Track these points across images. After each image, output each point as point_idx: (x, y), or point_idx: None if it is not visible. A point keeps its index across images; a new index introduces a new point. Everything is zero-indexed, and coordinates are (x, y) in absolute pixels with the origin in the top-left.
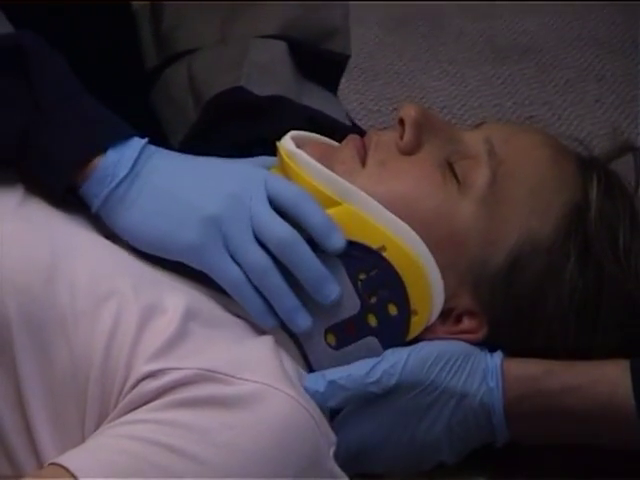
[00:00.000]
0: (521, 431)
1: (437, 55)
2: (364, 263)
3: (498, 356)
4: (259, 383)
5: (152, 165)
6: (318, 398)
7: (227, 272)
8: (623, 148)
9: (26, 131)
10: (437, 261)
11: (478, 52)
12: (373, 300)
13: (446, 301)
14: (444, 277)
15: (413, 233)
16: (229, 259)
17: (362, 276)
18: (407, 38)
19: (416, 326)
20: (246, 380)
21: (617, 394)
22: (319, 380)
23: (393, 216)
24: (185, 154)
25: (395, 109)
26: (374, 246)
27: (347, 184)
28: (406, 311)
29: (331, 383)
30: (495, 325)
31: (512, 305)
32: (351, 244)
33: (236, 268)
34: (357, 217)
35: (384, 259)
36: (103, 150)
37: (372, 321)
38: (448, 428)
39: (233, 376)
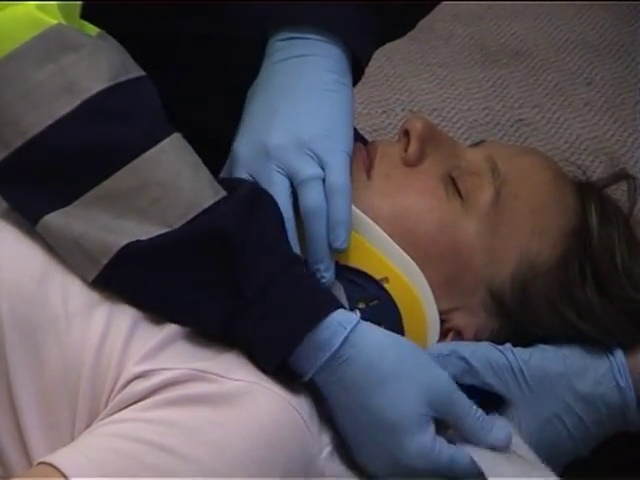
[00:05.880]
0: None
1: (427, 58)
2: (365, 292)
3: (620, 354)
4: (248, 381)
5: (361, 343)
6: (440, 360)
7: None
8: (618, 175)
9: (230, 316)
10: (439, 276)
11: (468, 55)
12: None
13: (441, 313)
14: (445, 292)
15: (417, 269)
16: None
17: (361, 305)
18: (396, 41)
19: None
20: (235, 379)
21: None
22: (442, 346)
23: (399, 249)
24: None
25: (384, 112)
26: (377, 276)
27: (356, 211)
28: None
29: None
30: (500, 341)
31: (515, 324)
32: (354, 271)
33: None
34: (362, 246)
35: (385, 291)
36: (304, 338)
37: None
38: (584, 427)
39: (222, 376)
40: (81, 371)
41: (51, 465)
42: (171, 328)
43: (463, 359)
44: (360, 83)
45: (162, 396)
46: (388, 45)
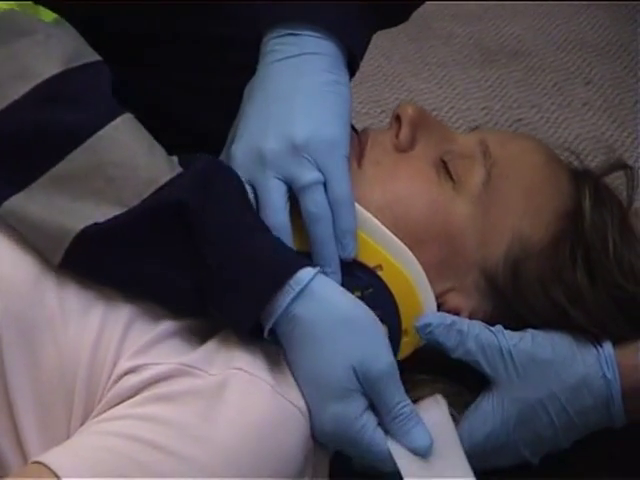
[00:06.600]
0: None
1: (425, 58)
2: (360, 281)
3: (609, 346)
4: (234, 369)
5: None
6: (440, 329)
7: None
8: (615, 165)
9: (199, 289)
10: (432, 259)
11: (466, 55)
12: None
13: (438, 297)
14: (439, 275)
15: (411, 255)
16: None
17: (356, 293)
18: (395, 41)
19: (406, 347)
20: (222, 370)
21: None
22: (445, 315)
23: (392, 236)
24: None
25: (383, 111)
26: (371, 264)
27: None
28: (397, 332)
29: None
30: (491, 324)
31: (509, 307)
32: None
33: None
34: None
35: (380, 279)
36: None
37: None
38: (565, 413)
39: (207, 370)
40: (77, 370)
41: (43, 464)
42: (165, 325)
43: (460, 333)
44: (359, 83)
45: (152, 392)
46: (387, 45)
